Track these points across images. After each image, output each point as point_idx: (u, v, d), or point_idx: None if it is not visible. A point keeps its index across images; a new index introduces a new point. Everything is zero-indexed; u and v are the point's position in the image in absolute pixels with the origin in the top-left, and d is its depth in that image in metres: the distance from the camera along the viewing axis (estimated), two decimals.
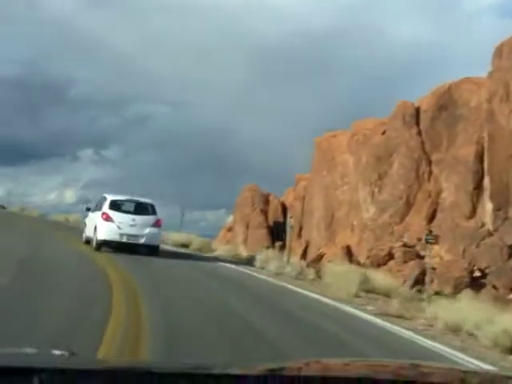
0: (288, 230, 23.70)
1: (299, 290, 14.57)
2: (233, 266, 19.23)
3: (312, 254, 33.17)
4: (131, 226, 17.97)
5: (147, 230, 18.06)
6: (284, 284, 15.43)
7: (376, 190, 31.45)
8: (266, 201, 42.82)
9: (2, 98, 66.69)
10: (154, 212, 18.69)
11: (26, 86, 67.72)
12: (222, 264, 19.75)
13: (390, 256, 26.66)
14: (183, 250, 23.92)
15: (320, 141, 38.23)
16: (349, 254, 29.27)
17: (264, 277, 16.84)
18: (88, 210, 20.42)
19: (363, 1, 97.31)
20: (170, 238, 26.48)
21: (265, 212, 41.70)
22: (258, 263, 20.17)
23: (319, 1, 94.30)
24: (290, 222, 24.33)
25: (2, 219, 30.80)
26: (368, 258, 27.03)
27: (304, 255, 32.79)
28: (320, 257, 30.21)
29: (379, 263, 26.06)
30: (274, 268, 18.59)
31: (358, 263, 25.00)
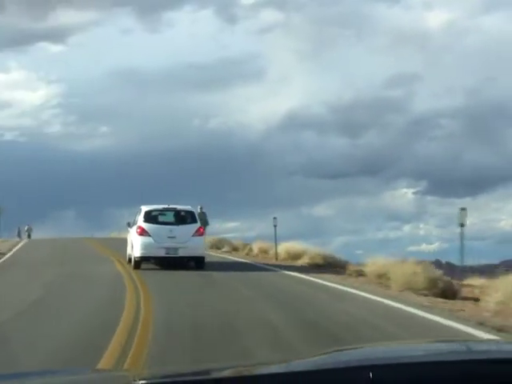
0: None
1: None
2: None
3: None
4: (169, 237, 16.07)
5: (188, 241, 16.11)
6: None
7: None
8: None
9: (455, 128, 68.47)
10: (194, 220, 16.72)
11: (476, 114, 69.40)
12: None
13: None
14: None
15: None
16: None
17: None
18: (128, 225, 18.68)
19: None
20: None
21: None
22: None
23: None
24: None
25: None
26: None
27: None
28: None
29: None
30: None
31: None
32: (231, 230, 49.36)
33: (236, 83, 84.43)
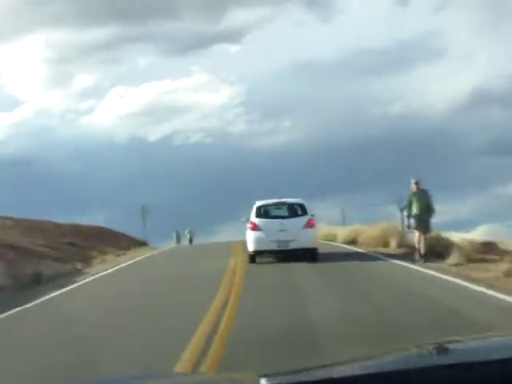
0: None
1: None
2: None
3: None
4: (280, 231, 16.45)
5: (298, 233, 16.39)
6: None
7: None
8: None
9: None
10: (304, 212, 16.98)
11: None
12: None
13: None
14: None
15: None
16: None
17: None
18: (247, 220, 19.38)
19: None
20: None
21: None
22: None
23: None
24: None
25: None
26: None
27: None
28: None
29: None
30: None
31: None
32: None
33: (416, 64, 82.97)
